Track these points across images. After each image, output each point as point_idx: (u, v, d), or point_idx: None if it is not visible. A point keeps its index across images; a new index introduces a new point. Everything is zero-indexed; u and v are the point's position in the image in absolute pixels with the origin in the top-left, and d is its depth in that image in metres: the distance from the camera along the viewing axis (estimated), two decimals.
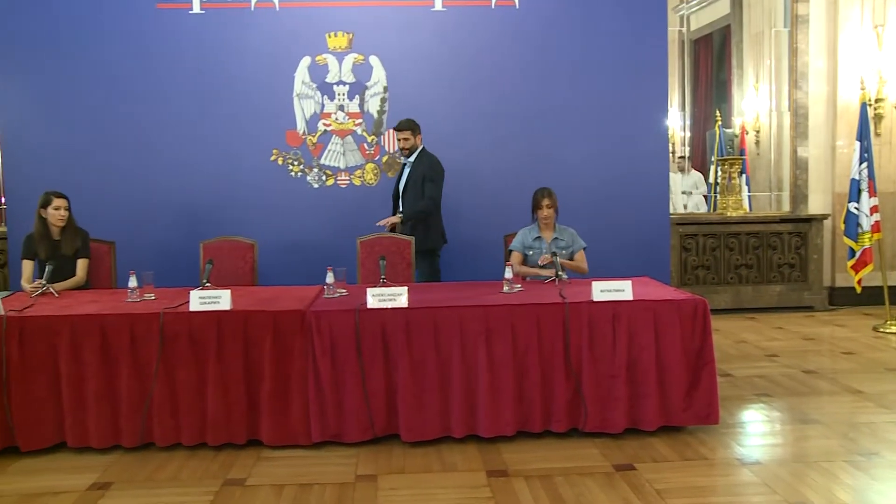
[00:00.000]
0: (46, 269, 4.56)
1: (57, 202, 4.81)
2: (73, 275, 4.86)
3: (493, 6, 6.28)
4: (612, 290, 3.94)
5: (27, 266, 4.84)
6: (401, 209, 5.64)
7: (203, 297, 3.90)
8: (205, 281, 4.55)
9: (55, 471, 3.61)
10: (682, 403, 3.88)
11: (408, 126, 5.61)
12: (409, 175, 5.63)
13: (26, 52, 6.10)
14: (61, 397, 3.80)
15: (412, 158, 5.64)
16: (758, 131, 9.24)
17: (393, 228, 5.53)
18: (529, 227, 5.04)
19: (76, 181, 5.64)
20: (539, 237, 4.97)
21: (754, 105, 9.30)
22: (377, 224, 5.53)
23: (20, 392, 3.75)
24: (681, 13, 10.64)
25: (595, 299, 3.91)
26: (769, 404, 4.46)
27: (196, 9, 6.15)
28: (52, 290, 4.48)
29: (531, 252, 4.96)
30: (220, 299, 3.89)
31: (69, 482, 3.45)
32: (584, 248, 5.01)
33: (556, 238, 4.96)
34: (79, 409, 3.79)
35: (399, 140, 5.64)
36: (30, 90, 6.12)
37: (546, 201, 4.88)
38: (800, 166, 7.83)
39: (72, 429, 3.79)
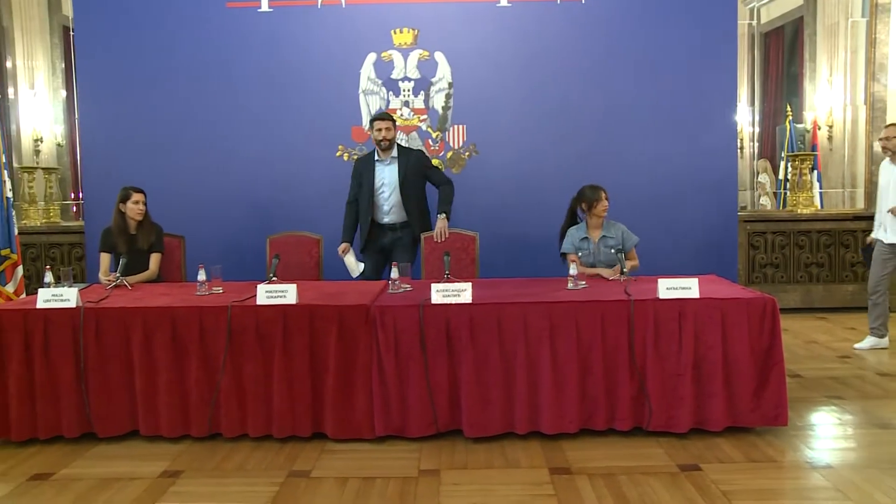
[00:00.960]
0: (120, 263, 4.70)
1: (136, 196, 4.97)
2: (147, 268, 5.01)
3: (558, 2, 6.25)
4: (678, 288, 3.89)
5: (104, 259, 5.00)
6: (385, 208, 5.34)
7: (270, 291, 3.96)
8: (271, 275, 4.62)
9: (129, 457, 3.73)
10: (750, 404, 3.80)
11: (390, 116, 5.30)
12: (399, 169, 5.27)
13: (102, 53, 6.31)
14: (134, 386, 3.91)
15: (393, 153, 5.30)
16: (830, 126, 8.98)
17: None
18: (576, 227, 4.95)
19: (149, 177, 5.78)
20: (586, 237, 4.87)
21: (827, 99, 9.03)
22: (434, 239, 5.29)
23: (96, 380, 3.88)
24: (750, 6, 10.42)
25: (661, 297, 3.86)
26: (841, 407, 4.33)
27: (265, 7, 6.27)
28: (125, 282, 4.63)
29: (580, 253, 4.87)
30: (287, 293, 3.95)
31: (142, 469, 3.56)
32: (636, 244, 4.90)
33: (604, 236, 4.84)
34: (150, 399, 3.89)
35: (381, 130, 5.18)
36: (105, 89, 6.34)
37: (605, 193, 4.81)
38: (875, 162, 7.58)
39: (144, 417, 3.90)
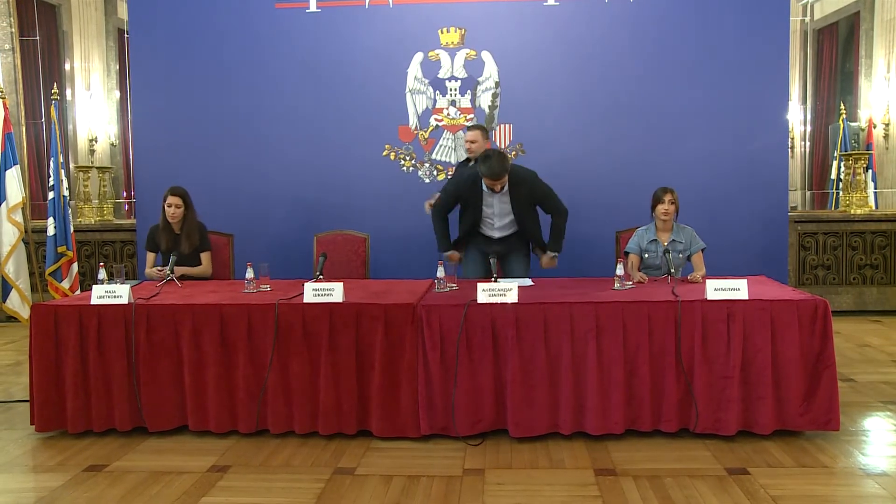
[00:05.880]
0: (171, 260, 4.79)
1: (170, 199, 5.00)
2: (195, 265, 5.09)
3: (606, 0, 6.19)
4: (726, 289, 3.84)
5: (150, 257, 5.10)
6: (496, 234, 4.98)
7: (316, 290, 4.01)
8: (318, 273, 4.66)
9: (178, 451, 3.80)
10: (800, 408, 3.74)
11: (505, 172, 4.71)
12: (512, 201, 4.88)
13: (155, 55, 6.43)
14: (183, 382, 3.98)
15: (505, 188, 4.82)
16: (887, 124, 8.79)
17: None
18: (645, 227, 4.89)
19: (198, 176, 5.90)
20: (655, 240, 4.80)
21: (884, 96, 8.83)
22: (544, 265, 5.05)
23: (147, 376, 3.96)
24: (803, 2, 10.23)
25: (709, 298, 3.82)
26: None
27: (313, 7, 6.33)
28: (174, 279, 4.71)
29: (647, 255, 4.81)
30: (333, 292, 3.99)
31: (191, 463, 3.63)
32: (703, 249, 4.81)
33: (673, 240, 4.76)
34: (199, 394, 3.97)
35: (495, 184, 4.69)
36: (157, 90, 6.45)
37: (668, 196, 4.71)
38: None
39: (193, 413, 3.97)
